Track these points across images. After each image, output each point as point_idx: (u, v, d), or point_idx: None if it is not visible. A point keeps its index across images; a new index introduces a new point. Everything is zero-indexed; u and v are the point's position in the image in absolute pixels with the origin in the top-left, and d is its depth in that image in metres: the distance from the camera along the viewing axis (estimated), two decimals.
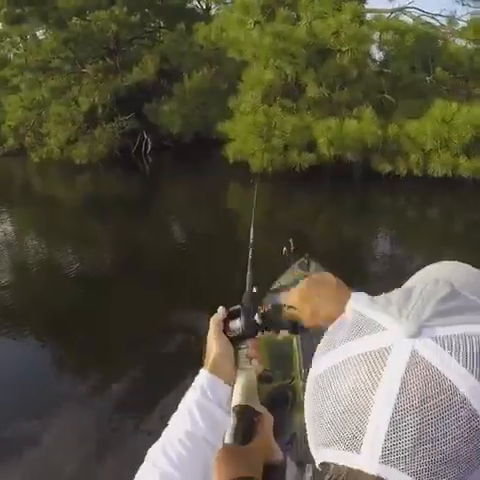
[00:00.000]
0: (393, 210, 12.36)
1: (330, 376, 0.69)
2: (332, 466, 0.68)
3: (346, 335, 0.71)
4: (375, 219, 11.76)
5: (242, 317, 1.39)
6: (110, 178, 16.03)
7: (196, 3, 21.06)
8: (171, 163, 16.65)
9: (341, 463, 0.66)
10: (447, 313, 0.68)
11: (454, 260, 1.00)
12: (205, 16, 19.57)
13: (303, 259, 5.18)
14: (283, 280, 4.93)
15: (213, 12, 20.41)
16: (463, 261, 0.98)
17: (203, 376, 1.30)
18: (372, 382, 0.64)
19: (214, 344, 1.33)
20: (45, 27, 18.37)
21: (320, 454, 0.70)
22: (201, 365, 1.32)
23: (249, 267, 1.64)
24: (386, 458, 0.61)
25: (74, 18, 16.67)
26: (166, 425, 1.24)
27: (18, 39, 19.37)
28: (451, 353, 0.63)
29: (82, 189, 15.56)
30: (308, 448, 0.74)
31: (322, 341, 0.76)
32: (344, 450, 0.65)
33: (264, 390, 2.79)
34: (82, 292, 8.02)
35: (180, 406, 1.26)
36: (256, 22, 13.33)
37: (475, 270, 0.97)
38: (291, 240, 4.67)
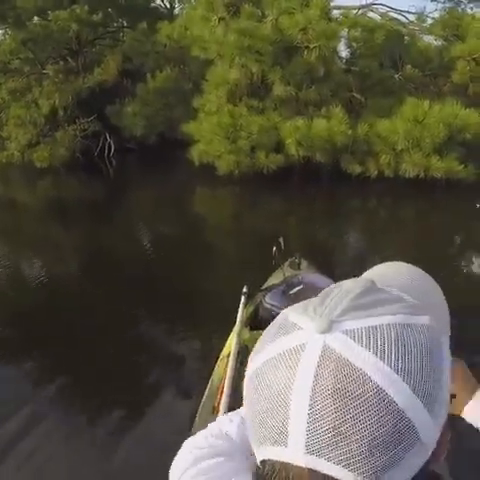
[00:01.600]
0: (364, 212, 12.10)
1: (255, 378, 0.71)
2: (267, 462, 0.70)
3: (271, 337, 0.72)
4: (346, 221, 11.47)
5: None
6: (72, 182, 15.49)
7: (160, 2, 20.88)
8: (135, 166, 16.25)
9: (274, 458, 0.68)
10: (360, 307, 0.69)
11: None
12: (169, 15, 19.33)
13: (294, 258, 5.32)
14: (273, 279, 5.02)
15: (177, 11, 20.02)
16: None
17: None
18: (289, 378, 0.66)
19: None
20: (4, 27, 17.93)
21: (258, 453, 0.72)
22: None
23: None
24: (310, 449, 0.63)
25: (35, 18, 16.35)
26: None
27: None
28: (361, 344, 0.64)
29: (44, 193, 15.09)
30: None
31: (256, 344, 0.77)
32: (274, 445, 0.67)
33: None
34: (45, 298, 7.70)
35: None
36: (220, 19, 12.91)
37: (409, 267, 0.93)
38: (281, 239, 4.65)
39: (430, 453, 0.66)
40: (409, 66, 13.37)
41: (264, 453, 0.70)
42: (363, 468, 0.62)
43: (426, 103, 11.53)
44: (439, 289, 0.89)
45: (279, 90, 12.52)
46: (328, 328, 0.66)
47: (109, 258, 9.19)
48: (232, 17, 12.91)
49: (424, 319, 0.70)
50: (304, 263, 5.35)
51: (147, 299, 7.15)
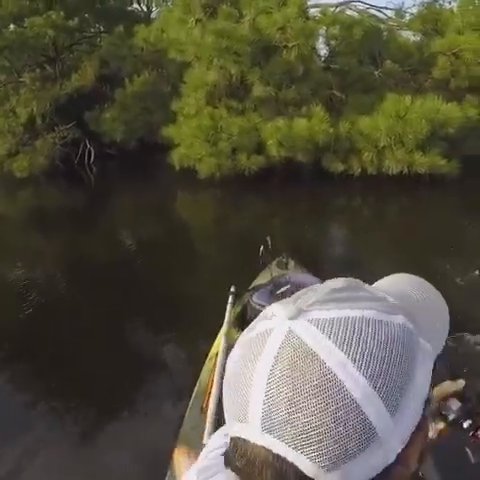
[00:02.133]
0: (348, 210, 11.93)
1: (230, 358, 0.74)
2: (232, 439, 0.72)
3: (252, 324, 0.76)
4: (330, 220, 11.42)
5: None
6: (53, 190, 15.30)
7: (136, 6, 20.67)
8: (116, 172, 15.97)
9: (237, 435, 0.70)
10: (332, 300, 0.70)
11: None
12: (146, 19, 19.12)
13: (281, 258, 5.33)
14: (261, 279, 5.02)
15: (154, 15, 19.81)
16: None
17: None
18: (254, 359, 0.68)
19: None
20: None
21: (229, 430, 0.73)
22: None
23: None
24: (265, 427, 0.65)
25: (11, 26, 16.07)
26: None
27: None
28: (323, 332, 0.65)
29: (24, 203, 14.86)
30: None
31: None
32: (238, 422, 0.69)
33: None
34: (27, 308, 7.43)
35: None
36: (197, 20, 12.66)
37: (411, 277, 0.90)
38: (268, 239, 4.69)
39: (394, 455, 0.65)
40: (389, 62, 13.23)
41: (232, 430, 0.72)
42: (313, 453, 0.62)
43: (407, 98, 11.41)
44: (441, 302, 0.86)
45: (258, 91, 12.32)
46: (296, 315, 0.68)
47: (91, 265, 9.05)
48: (209, 18, 12.70)
49: (398, 319, 0.69)
50: (291, 263, 5.36)
51: (131, 304, 7.07)
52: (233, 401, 0.70)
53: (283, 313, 0.69)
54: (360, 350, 0.64)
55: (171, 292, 7.35)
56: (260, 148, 12.36)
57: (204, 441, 1.47)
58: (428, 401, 0.70)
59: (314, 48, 13.36)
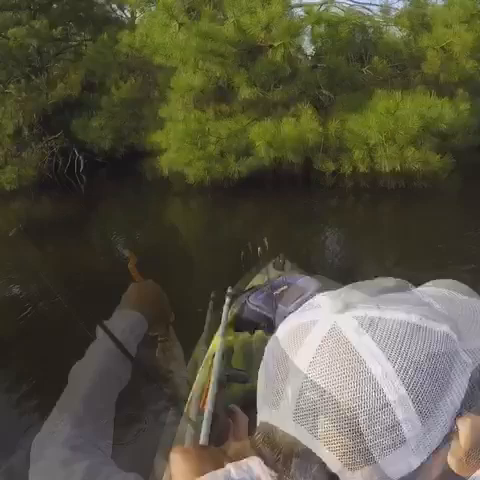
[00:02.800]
0: (341, 211, 11.74)
1: (271, 342, 0.75)
2: (261, 424, 0.72)
3: (298, 311, 0.76)
4: (323, 222, 11.12)
5: None
6: (44, 201, 14.87)
7: (120, 13, 20.28)
8: (106, 180, 15.70)
9: (266, 420, 0.71)
10: (378, 299, 0.71)
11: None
12: (131, 25, 18.64)
13: (278, 258, 5.25)
14: (257, 280, 4.96)
15: (137, 21, 19.47)
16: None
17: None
18: (295, 347, 0.69)
19: None
20: None
21: (259, 414, 0.74)
22: None
23: None
24: (297, 417, 0.65)
25: None
26: None
27: None
28: (367, 331, 0.66)
29: (15, 216, 14.30)
30: None
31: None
32: (270, 407, 0.69)
33: (239, 390, 2.94)
34: (22, 322, 7.45)
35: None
36: (181, 24, 12.31)
37: (461, 285, 0.85)
38: (265, 240, 4.59)
39: (418, 462, 0.64)
40: (377, 59, 12.89)
41: (262, 414, 0.73)
42: (341, 450, 0.63)
43: (398, 94, 11.14)
44: None
45: (245, 92, 12.00)
46: (342, 310, 0.69)
47: (84, 275, 8.88)
48: (193, 22, 12.37)
49: (443, 327, 0.68)
50: (288, 264, 5.30)
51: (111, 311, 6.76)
52: (268, 386, 0.70)
53: (330, 306, 0.70)
54: (400, 354, 0.63)
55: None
56: (249, 150, 12.07)
57: (201, 441, 1.52)
58: (459, 415, 0.67)
59: (300, 47, 13.16)
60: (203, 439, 1.56)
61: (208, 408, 2.74)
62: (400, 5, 14.54)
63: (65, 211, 13.47)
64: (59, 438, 1.02)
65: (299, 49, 12.94)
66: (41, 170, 15.46)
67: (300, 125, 11.37)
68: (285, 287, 4.38)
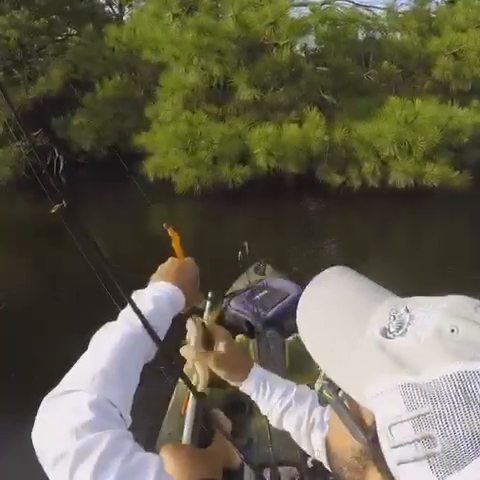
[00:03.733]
0: (346, 229, 10.48)
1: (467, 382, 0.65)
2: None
3: None
4: (325, 240, 9.92)
5: None
6: (19, 203, 14.03)
7: (109, 8, 19.26)
8: (87, 182, 14.49)
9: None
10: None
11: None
12: (118, 20, 17.92)
13: (259, 263, 5.16)
14: (238, 284, 4.86)
15: (126, 17, 18.61)
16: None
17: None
18: None
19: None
20: None
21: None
22: None
23: None
24: None
25: None
26: None
27: None
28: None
29: None
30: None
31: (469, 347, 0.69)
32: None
33: (221, 395, 3.00)
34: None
35: None
36: (175, 16, 10.95)
37: None
38: (246, 244, 4.26)
39: None
40: (386, 63, 11.83)
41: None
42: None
43: (418, 102, 9.99)
44: None
45: (245, 94, 10.79)
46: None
47: (62, 280, 8.51)
48: (188, 14, 11.08)
49: None
50: (269, 268, 5.17)
51: (104, 319, 5.92)
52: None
53: None
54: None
55: None
56: (244, 157, 10.93)
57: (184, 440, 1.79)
58: None
59: (305, 47, 12.11)
60: (185, 440, 1.78)
61: (189, 414, 2.87)
62: (404, 8, 13.34)
63: (42, 213, 12.31)
64: (85, 398, 0.98)
65: (303, 49, 11.83)
66: (17, 170, 14.28)
67: (304, 132, 10.21)
68: (266, 291, 4.40)
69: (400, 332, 0.72)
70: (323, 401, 0.83)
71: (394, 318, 0.74)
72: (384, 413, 0.69)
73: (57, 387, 1.03)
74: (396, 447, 0.66)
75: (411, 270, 8.00)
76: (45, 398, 1.01)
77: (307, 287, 0.89)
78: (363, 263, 8.98)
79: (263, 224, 10.61)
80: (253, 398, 1.46)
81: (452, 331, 0.67)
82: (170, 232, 1.75)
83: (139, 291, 1.36)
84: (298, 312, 0.86)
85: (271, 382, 1.48)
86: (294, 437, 1.47)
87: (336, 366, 0.78)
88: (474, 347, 0.66)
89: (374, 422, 0.70)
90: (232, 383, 1.46)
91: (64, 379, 1.06)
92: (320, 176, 10.68)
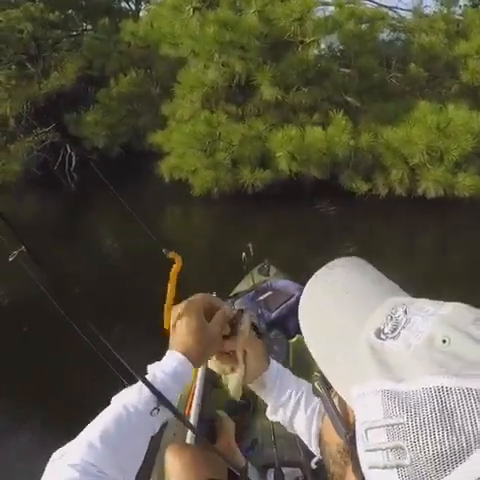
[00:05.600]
0: (370, 239, 9.81)
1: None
2: None
3: None
4: (346, 247, 9.08)
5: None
6: (30, 200, 13.45)
7: (125, 4, 19.01)
8: (99, 180, 13.60)
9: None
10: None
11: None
12: (134, 16, 17.60)
13: (263, 264, 5.04)
14: (242, 286, 4.77)
15: (142, 13, 18.40)
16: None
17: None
18: None
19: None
20: None
21: None
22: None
23: None
24: None
25: None
26: None
27: None
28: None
29: None
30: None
31: None
32: None
33: (222, 397, 2.93)
34: (6, 328, 6.87)
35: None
36: (195, 9, 10.22)
37: None
38: (250, 245, 4.24)
39: None
40: (412, 65, 11.12)
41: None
42: None
43: (451, 108, 9.25)
44: None
45: (268, 93, 10.07)
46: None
47: (73, 278, 7.98)
48: (208, 8, 10.38)
49: None
50: (273, 269, 5.05)
51: (114, 318, 6.47)
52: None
53: None
54: None
55: (152, 310, 5.95)
56: (265, 160, 10.29)
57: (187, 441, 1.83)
58: None
59: (331, 46, 11.50)
60: (189, 440, 1.74)
61: (193, 416, 2.89)
62: (433, 9, 12.62)
63: (53, 210, 12.49)
64: (71, 459, 1.02)
65: (330, 48, 11.16)
66: (28, 165, 13.66)
67: (330, 135, 9.51)
68: (270, 293, 4.36)
69: (393, 334, 0.68)
70: (315, 393, 0.82)
71: (391, 318, 0.71)
72: (363, 415, 0.67)
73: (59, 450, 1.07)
74: (370, 451, 0.65)
75: (437, 285, 7.28)
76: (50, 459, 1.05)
77: (309, 281, 0.87)
78: (384, 273, 8.36)
79: (283, 229, 10.04)
80: (265, 393, 1.43)
81: (444, 342, 0.64)
82: (173, 255, 1.69)
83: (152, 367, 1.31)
84: (300, 309, 0.84)
85: (287, 377, 1.47)
86: (303, 437, 1.44)
87: (329, 359, 0.76)
88: (461, 362, 0.62)
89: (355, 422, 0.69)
90: (252, 374, 1.38)
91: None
92: (344, 182, 10.03)
